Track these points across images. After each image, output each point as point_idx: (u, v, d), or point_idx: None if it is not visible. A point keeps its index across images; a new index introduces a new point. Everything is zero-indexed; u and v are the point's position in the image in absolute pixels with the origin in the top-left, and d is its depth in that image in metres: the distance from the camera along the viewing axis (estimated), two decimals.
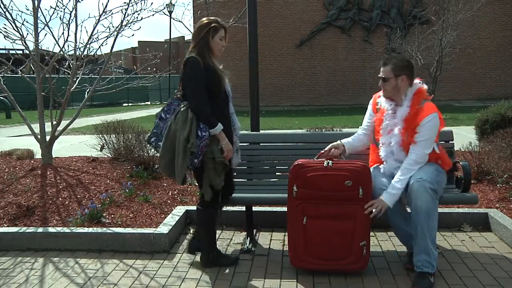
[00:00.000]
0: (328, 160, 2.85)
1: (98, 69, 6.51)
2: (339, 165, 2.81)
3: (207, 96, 2.77)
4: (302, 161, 2.88)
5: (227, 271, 3.00)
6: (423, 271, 2.71)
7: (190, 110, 2.74)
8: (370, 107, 3.19)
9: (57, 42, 4.90)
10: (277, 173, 3.57)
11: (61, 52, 4.96)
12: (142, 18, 5.13)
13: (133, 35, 8.45)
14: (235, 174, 3.39)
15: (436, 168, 2.88)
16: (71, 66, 5.09)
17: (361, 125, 3.27)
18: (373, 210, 2.78)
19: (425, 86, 2.98)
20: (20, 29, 4.80)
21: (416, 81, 2.98)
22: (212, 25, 2.85)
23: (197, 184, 3.02)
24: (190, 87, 2.77)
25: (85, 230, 3.50)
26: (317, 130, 7.48)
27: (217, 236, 3.66)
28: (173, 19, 24.14)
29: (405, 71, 2.90)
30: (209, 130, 2.73)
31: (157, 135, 2.83)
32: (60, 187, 4.40)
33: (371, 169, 2.99)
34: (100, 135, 5.70)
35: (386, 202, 2.79)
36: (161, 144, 2.78)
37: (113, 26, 5.13)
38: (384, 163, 3.00)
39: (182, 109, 2.76)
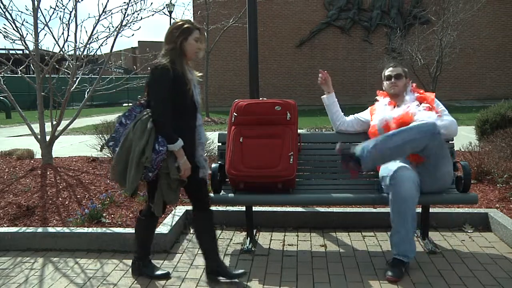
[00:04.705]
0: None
1: (98, 69, 6.51)
2: (272, 99, 3.28)
3: (171, 107, 2.58)
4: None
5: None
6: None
7: (151, 121, 2.56)
8: (367, 111, 3.48)
9: (57, 42, 4.90)
10: None
11: (61, 52, 4.96)
12: (142, 18, 5.13)
13: (133, 35, 8.46)
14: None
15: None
16: (71, 66, 5.09)
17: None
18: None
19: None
20: (20, 29, 4.80)
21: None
22: (185, 26, 2.67)
23: (148, 195, 2.84)
24: (154, 95, 2.60)
25: (85, 230, 3.50)
26: (317, 130, 7.48)
27: (217, 236, 3.66)
28: (173, 19, 24.08)
29: (408, 76, 3.34)
30: (167, 145, 2.54)
31: (115, 140, 2.65)
32: (60, 187, 4.40)
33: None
34: (100, 135, 5.70)
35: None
36: (118, 150, 2.62)
37: (113, 26, 5.14)
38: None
39: (143, 117, 2.58)
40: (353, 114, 3.55)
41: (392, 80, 3.27)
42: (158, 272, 2.93)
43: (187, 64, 2.73)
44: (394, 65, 3.35)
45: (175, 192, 2.69)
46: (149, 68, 2.65)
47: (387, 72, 3.35)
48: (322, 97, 3.55)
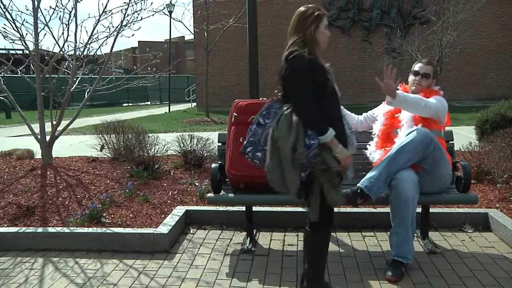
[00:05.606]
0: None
1: (98, 69, 6.51)
2: None
3: (313, 97, 2.31)
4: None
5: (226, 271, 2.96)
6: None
7: (295, 114, 2.28)
8: (381, 104, 3.40)
9: (57, 42, 4.90)
10: None
11: (61, 52, 4.96)
12: (142, 18, 5.14)
13: (133, 35, 8.44)
14: None
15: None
16: (71, 66, 5.09)
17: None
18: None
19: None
20: (20, 29, 4.81)
21: None
22: (316, 13, 2.44)
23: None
24: (293, 86, 2.33)
25: (85, 230, 3.50)
26: None
27: (217, 236, 3.67)
28: (173, 19, 24.09)
29: (436, 77, 3.21)
30: (318, 138, 2.27)
31: (254, 144, 2.37)
32: (60, 187, 4.40)
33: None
34: (100, 135, 5.70)
35: (398, 93, 2.79)
36: (259, 155, 2.36)
37: (113, 26, 5.14)
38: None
39: (285, 112, 2.29)
40: (356, 113, 3.51)
41: (418, 77, 3.15)
42: None
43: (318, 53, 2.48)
44: (427, 62, 3.20)
45: (337, 190, 2.32)
46: (287, 59, 2.36)
47: (416, 67, 3.21)
48: None
